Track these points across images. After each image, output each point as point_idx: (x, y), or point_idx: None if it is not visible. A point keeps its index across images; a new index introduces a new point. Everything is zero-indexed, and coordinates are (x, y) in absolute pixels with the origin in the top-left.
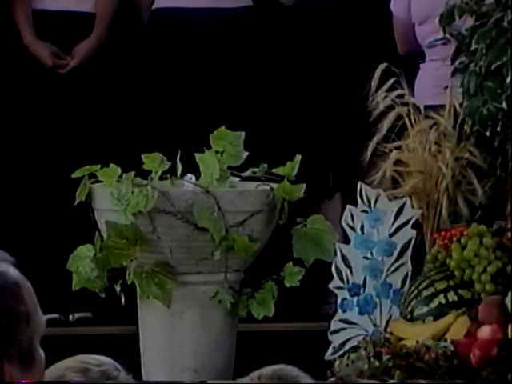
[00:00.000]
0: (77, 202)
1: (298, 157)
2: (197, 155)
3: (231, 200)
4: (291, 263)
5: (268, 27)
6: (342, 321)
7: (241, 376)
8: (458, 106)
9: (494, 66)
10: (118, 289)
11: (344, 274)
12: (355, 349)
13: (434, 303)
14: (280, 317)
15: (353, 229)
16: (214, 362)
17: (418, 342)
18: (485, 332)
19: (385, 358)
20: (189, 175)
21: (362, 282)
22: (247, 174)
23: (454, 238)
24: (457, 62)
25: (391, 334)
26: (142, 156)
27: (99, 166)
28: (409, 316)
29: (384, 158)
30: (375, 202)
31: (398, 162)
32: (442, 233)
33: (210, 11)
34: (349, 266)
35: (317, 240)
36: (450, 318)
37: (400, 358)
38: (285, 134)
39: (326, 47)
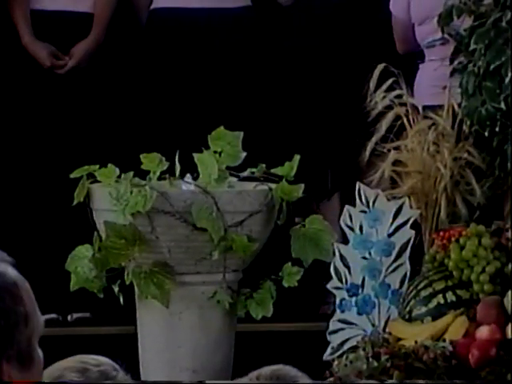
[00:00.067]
0: (75, 202)
1: (297, 157)
2: (195, 155)
3: (230, 200)
4: (290, 263)
5: (266, 27)
6: (340, 321)
7: (239, 376)
8: (456, 107)
9: (492, 66)
10: (116, 289)
11: (342, 274)
12: (354, 349)
13: (433, 303)
14: (278, 317)
15: (351, 229)
16: (212, 362)
17: (416, 342)
18: (483, 332)
19: (383, 358)
20: (187, 175)
21: (360, 283)
22: (246, 174)
23: (453, 239)
24: (455, 63)
25: (390, 334)
26: (141, 156)
27: (97, 167)
28: (407, 316)
29: (382, 158)
30: (374, 202)
31: (396, 162)
32: (441, 233)
33: (209, 11)
34: (347, 266)
35: (315, 240)
36: (449, 318)
37: (398, 358)
38: (283, 134)
39: (324, 47)
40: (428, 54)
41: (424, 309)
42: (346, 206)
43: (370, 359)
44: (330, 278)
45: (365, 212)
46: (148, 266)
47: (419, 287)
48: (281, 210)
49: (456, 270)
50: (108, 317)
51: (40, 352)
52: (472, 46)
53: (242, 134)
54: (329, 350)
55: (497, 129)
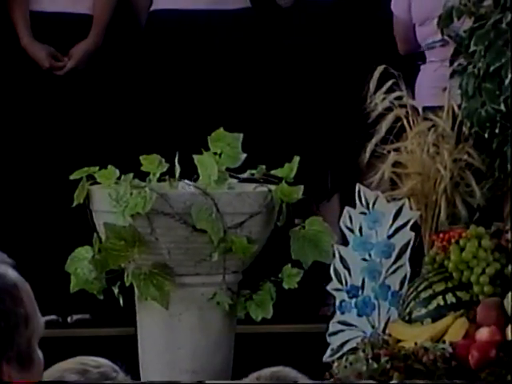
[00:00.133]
0: (75, 203)
1: (297, 158)
2: (195, 157)
3: (229, 201)
4: (289, 265)
5: (266, 29)
6: (340, 323)
7: (239, 378)
8: (456, 108)
9: (492, 68)
10: (116, 290)
11: (342, 275)
12: (353, 350)
13: (433, 305)
14: (278, 318)
15: (351, 230)
16: (212, 364)
17: (416, 343)
18: (483, 334)
19: (383, 359)
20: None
21: (360, 284)
22: (245, 175)
23: (453, 240)
24: (455, 64)
25: (389, 335)
26: (141, 158)
27: (97, 168)
28: (407, 318)
29: (382, 159)
30: (373, 203)
31: (396, 164)
32: (441, 234)
33: (208, 13)
34: (347, 268)
35: (315, 242)
36: (449, 319)
37: (398, 359)
38: (283, 136)
39: (324, 49)
40: (428, 56)
41: (424, 310)
42: (346, 208)
43: (370, 361)
44: (330, 279)
45: (365, 213)
46: (148, 267)
47: (419, 289)
48: (280, 212)
49: (456, 272)
50: (108, 318)
51: (40, 353)
52: (472, 48)
53: (241, 135)
54: (328, 352)
55: (497, 130)
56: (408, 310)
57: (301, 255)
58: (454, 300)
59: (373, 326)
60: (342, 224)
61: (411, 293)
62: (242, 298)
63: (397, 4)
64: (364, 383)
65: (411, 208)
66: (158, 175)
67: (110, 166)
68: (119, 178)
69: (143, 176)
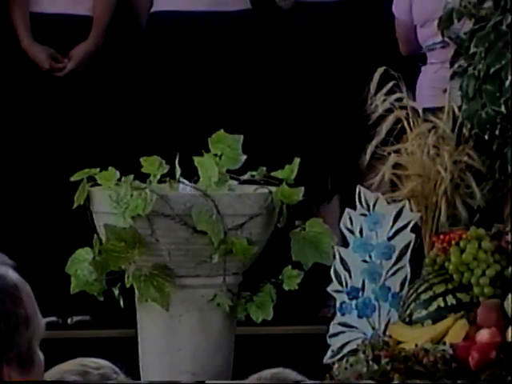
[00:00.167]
0: (75, 205)
1: (297, 160)
2: (195, 158)
3: (230, 203)
4: (290, 266)
5: (266, 30)
6: (340, 324)
7: (239, 379)
8: (456, 110)
9: (492, 70)
10: (116, 292)
11: (343, 277)
12: (354, 352)
13: (433, 306)
14: (279, 320)
15: (351, 232)
16: (212, 365)
17: (416, 345)
18: (483, 335)
19: (383, 361)
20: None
21: (360, 286)
22: (246, 177)
23: (453, 242)
24: (455, 66)
25: (390, 337)
26: (141, 159)
27: (98, 170)
28: (407, 319)
29: (383, 161)
30: (374, 205)
31: (396, 166)
32: (441, 236)
33: (209, 14)
34: (347, 270)
35: (315, 243)
36: (449, 321)
37: (399, 361)
38: (283, 137)
39: (324, 50)
40: (429, 57)
41: (424, 312)
42: (347, 209)
43: (371, 362)
44: (330, 281)
45: (365, 215)
46: (148, 268)
47: (419, 290)
48: (281, 213)
49: (456, 273)
50: (108, 320)
51: (41, 355)
52: (472, 50)
53: (242, 137)
54: (329, 353)
55: (497, 132)
56: (408, 312)
57: (301, 257)
58: (454, 302)
59: (373, 328)
60: (342, 225)
61: (411, 294)
62: (243, 300)
63: (398, 5)
64: (364, 383)
65: (411, 210)
66: (158, 177)
67: (110, 168)
68: (120, 180)
69: (144, 178)
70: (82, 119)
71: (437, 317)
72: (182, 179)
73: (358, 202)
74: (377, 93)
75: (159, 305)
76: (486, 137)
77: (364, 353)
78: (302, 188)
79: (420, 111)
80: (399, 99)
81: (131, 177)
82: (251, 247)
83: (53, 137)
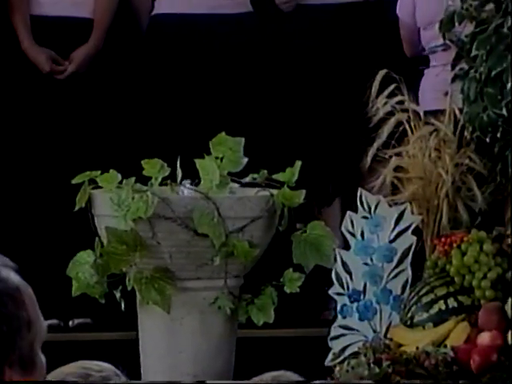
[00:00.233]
0: (77, 207)
1: (298, 163)
2: (197, 161)
3: (231, 206)
4: (291, 269)
5: (267, 33)
6: (341, 327)
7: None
8: (458, 113)
9: (494, 73)
10: (117, 294)
11: (344, 280)
12: (355, 355)
13: (434, 309)
14: (280, 323)
15: (353, 235)
16: (213, 368)
17: (417, 348)
18: (485, 338)
19: (385, 364)
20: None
21: (362, 288)
22: (247, 179)
23: (454, 244)
24: (457, 68)
25: (391, 340)
26: (142, 162)
27: (99, 172)
28: (409, 322)
29: (384, 164)
30: (375, 208)
31: (397, 168)
32: (442, 239)
33: (210, 17)
34: (349, 272)
35: (316, 246)
36: (450, 324)
37: (400, 364)
38: (285, 140)
39: (325, 54)
40: (431, 60)
41: (425, 315)
42: (348, 212)
43: (372, 365)
44: (332, 283)
45: (366, 218)
46: (149, 271)
47: (421, 293)
48: (282, 216)
49: (457, 276)
50: (109, 322)
51: (43, 357)
52: (473, 52)
53: (243, 139)
54: (330, 356)
55: (498, 135)
56: (410, 315)
57: (302, 259)
58: (455, 304)
59: (374, 331)
60: (343, 228)
61: (413, 297)
62: (244, 303)
63: (402, 8)
64: (362, 383)
65: (413, 212)
66: (159, 179)
67: (111, 171)
68: (121, 183)
69: (145, 180)
70: (82, 122)
71: (438, 320)
72: (185, 183)
73: (359, 205)
74: (378, 95)
75: (160, 307)
76: (488, 139)
77: (365, 356)
78: (304, 191)
79: (421, 114)
80: (400, 102)
81: (132, 179)
82: (252, 250)
83: (54, 139)
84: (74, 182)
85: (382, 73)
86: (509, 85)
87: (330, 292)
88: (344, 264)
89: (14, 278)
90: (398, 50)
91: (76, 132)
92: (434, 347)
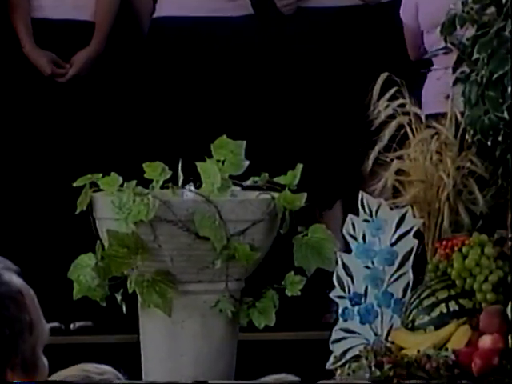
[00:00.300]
0: (78, 210)
1: (300, 166)
2: (198, 164)
3: (232, 209)
4: (292, 272)
5: (268, 36)
6: (343, 330)
7: None
8: (459, 116)
9: (495, 76)
10: (119, 297)
11: (345, 283)
12: (356, 358)
13: (435, 312)
14: (281, 326)
15: (354, 238)
16: (214, 371)
17: (419, 351)
18: (486, 341)
19: (386, 367)
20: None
21: (363, 292)
22: (248, 183)
23: (456, 248)
24: (458, 72)
25: (392, 343)
26: (144, 165)
27: (100, 175)
28: (410, 325)
29: (385, 167)
30: (376, 211)
31: (399, 171)
32: (444, 242)
33: (211, 20)
34: (350, 275)
35: (318, 249)
36: (451, 327)
37: (401, 367)
38: (286, 143)
39: (326, 57)
40: (434, 63)
41: (427, 318)
42: (349, 215)
43: (373, 368)
44: (333, 286)
45: (368, 221)
46: (150, 274)
47: (422, 296)
48: (283, 219)
49: (459, 279)
50: (110, 325)
51: (45, 360)
52: (475, 56)
53: (244, 142)
54: (331, 359)
55: (499, 138)
56: (411, 318)
57: (304, 262)
58: (456, 307)
59: (375, 334)
60: (344, 231)
61: (414, 300)
62: (245, 306)
63: (405, 11)
64: (360, 383)
65: (414, 215)
66: (161, 182)
67: (112, 173)
68: (122, 185)
69: (146, 183)
70: (84, 125)
71: (439, 323)
72: (189, 186)
73: (360, 208)
74: (379, 99)
75: (162, 310)
76: (489, 143)
77: (366, 359)
78: (305, 194)
79: (423, 117)
80: (402, 105)
81: (134, 182)
82: (254, 253)
83: (55, 142)
84: (75, 184)
85: (383, 76)
86: (510, 88)
87: (332, 295)
88: (345, 267)
89: (17, 281)
90: (400, 53)
91: (77, 135)
92: (435, 350)
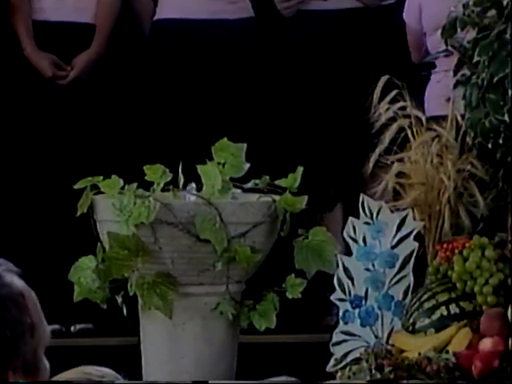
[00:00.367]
0: (79, 213)
1: (300, 168)
2: (199, 167)
3: (233, 211)
4: (293, 275)
5: (269, 38)
6: (343, 333)
7: None
8: (460, 118)
9: (496, 79)
10: (119, 300)
11: (346, 285)
12: (357, 361)
13: (436, 315)
14: (282, 328)
15: (355, 241)
16: (215, 373)
17: (419, 353)
18: (486, 344)
19: (386, 369)
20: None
21: (363, 294)
22: (249, 185)
23: (456, 250)
24: (459, 75)
25: (393, 345)
26: (144, 167)
27: (101, 178)
28: (410, 328)
29: (386, 169)
30: (377, 213)
31: (399, 174)
32: (444, 245)
33: (212, 22)
34: (351, 278)
35: (318, 251)
36: (452, 329)
37: (402, 369)
38: (287, 146)
39: (326, 59)
40: (437, 65)
41: (427, 320)
42: (350, 218)
43: (373, 371)
44: (334, 289)
45: (368, 224)
46: (151, 276)
47: (422, 299)
48: (284, 222)
49: (459, 282)
50: (111, 328)
51: (46, 363)
52: (475, 58)
53: (245, 145)
54: (332, 362)
55: (500, 141)
56: (411, 320)
57: (304, 265)
58: (457, 310)
59: (376, 336)
60: (345, 234)
61: (414, 303)
62: (246, 308)
63: (408, 13)
64: (358, 383)
65: (415, 218)
66: (161, 185)
67: (113, 176)
68: (123, 188)
69: (147, 186)
70: (84, 127)
71: (440, 325)
72: (190, 188)
73: (361, 211)
74: (380, 101)
75: (162, 313)
76: (490, 145)
77: (367, 361)
78: (306, 196)
79: (423, 120)
80: (403, 108)
81: (134, 185)
82: (254, 255)
83: (55, 145)
84: (76, 187)
85: (384, 79)
86: (510, 91)
87: (332, 298)
88: (346, 270)
89: (18, 283)
90: (400, 55)
91: (78, 137)
92: (435, 353)
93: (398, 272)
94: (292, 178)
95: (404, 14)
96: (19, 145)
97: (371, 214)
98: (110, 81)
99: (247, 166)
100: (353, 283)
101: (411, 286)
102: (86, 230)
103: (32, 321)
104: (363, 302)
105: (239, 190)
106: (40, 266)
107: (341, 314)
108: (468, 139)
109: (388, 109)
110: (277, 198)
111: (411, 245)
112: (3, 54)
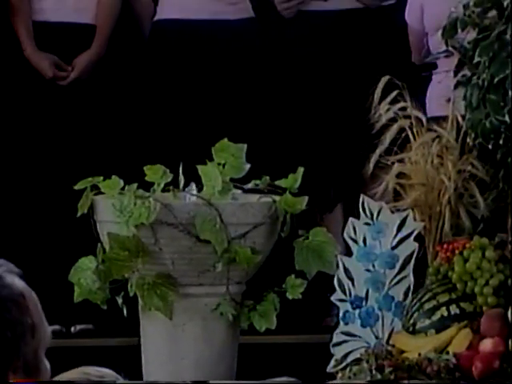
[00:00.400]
0: (79, 213)
1: (301, 169)
2: (199, 167)
3: (233, 212)
4: (293, 275)
5: (269, 39)
6: (344, 333)
7: None
8: (460, 119)
9: (496, 79)
10: (119, 300)
11: (346, 286)
12: (357, 361)
13: (436, 316)
14: (282, 329)
15: (355, 241)
16: (215, 374)
17: (420, 354)
18: (487, 345)
19: (387, 370)
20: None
21: (364, 295)
22: (249, 186)
23: (457, 251)
24: (459, 75)
25: (393, 346)
26: (145, 168)
27: (101, 178)
28: (411, 329)
29: (386, 170)
30: (377, 214)
31: (400, 175)
32: (445, 245)
33: (212, 23)
34: (351, 279)
35: (319, 252)
36: (452, 330)
37: (402, 370)
38: (287, 146)
39: (327, 60)
40: (435, 66)
41: (427, 321)
42: (350, 219)
43: (374, 372)
44: (334, 290)
45: (368, 224)
46: (151, 277)
47: (423, 300)
48: (284, 222)
49: (460, 283)
50: (111, 328)
51: (47, 363)
52: (476, 59)
53: (245, 146)
54: (332, 363)
55: (501, 141)
56: (412, 321)
57: (305, 266)
58: (457, 311)
59: (376, 337)
60: (345, 235)
61: (415, 304)
62: (246, 309)
63: (410, 14)
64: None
65: (415, 219)
66: (162, 185)
67: (114, 176)
68: (123, 188)
69: (147, 186)
70: (85, 128)
71: (440, 326)
72: (191, 188)
73: (361, 211)
74: (381, 102)
75: (162, 313)
76: (490, 146)
77: (367, 362)
78: (306, 197)
79: (424, 120)
80: (403, 108)
81: (135, 185)
82: (255, 256)
83: (56, 145)
84: (76, 187)
85: (384, 79)
86: (511, 92)
87: (332, 298)
88: (346, 270)
89: (19, 283)
90: (401, 56)
91: (78, 138)
92: (436, 354)
93: (399, 273)
94: (292, 178)
95: (406, 14)
96: (20, 145)
97: (371, 215)
98: (111, 81)
99: (247, 166)
100: (353, 284)
101: (411, 286)
102: (87, 231)
103: (33, 321)
104: (363, 303)
105: (239, 191)
106: (40, 266)
107: (341, 314)
108: (468, 140)
109: (388, 109)
110: (277, 198)
111: (411, 245)
112: (4, 55)
